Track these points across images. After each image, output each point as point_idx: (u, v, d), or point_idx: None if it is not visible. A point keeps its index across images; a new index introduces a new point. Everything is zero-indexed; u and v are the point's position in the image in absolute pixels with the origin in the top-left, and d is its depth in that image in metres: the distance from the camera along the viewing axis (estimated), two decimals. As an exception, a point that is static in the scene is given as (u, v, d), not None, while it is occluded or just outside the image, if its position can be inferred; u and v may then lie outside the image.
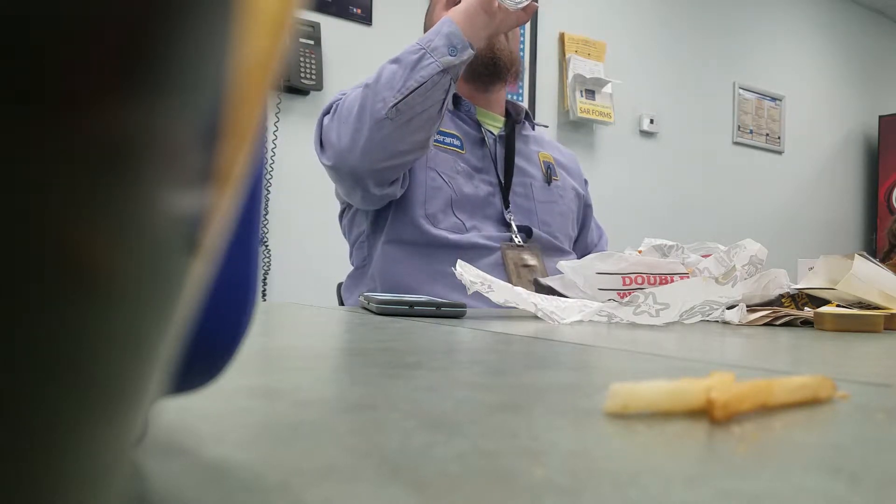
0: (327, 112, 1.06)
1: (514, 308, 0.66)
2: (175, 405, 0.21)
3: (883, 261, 1.92)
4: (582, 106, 2.90)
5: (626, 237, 1.60)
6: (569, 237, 1.23)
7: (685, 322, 0.68)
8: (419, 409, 0.22)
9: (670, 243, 0.86)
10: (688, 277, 0.79)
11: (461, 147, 1.14)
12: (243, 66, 0.08)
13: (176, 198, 0.07)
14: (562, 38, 2.95)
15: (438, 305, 0.69)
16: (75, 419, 0.07)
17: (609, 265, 0.80)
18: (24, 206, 0.06)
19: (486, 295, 0.67)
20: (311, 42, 2.21)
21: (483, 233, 1.10)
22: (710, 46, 3.50)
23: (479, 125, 1.17)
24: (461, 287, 0.70)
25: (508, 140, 1.18)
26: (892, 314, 0.70)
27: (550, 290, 0.80)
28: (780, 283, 0.80)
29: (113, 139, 0.06)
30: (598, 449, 0.18)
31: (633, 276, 0.80)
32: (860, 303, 0.74)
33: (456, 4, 1.06)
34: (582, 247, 1.29)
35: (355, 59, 2.32)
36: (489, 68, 1.15)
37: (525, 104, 2.29)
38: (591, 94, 2.94)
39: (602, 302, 0.72)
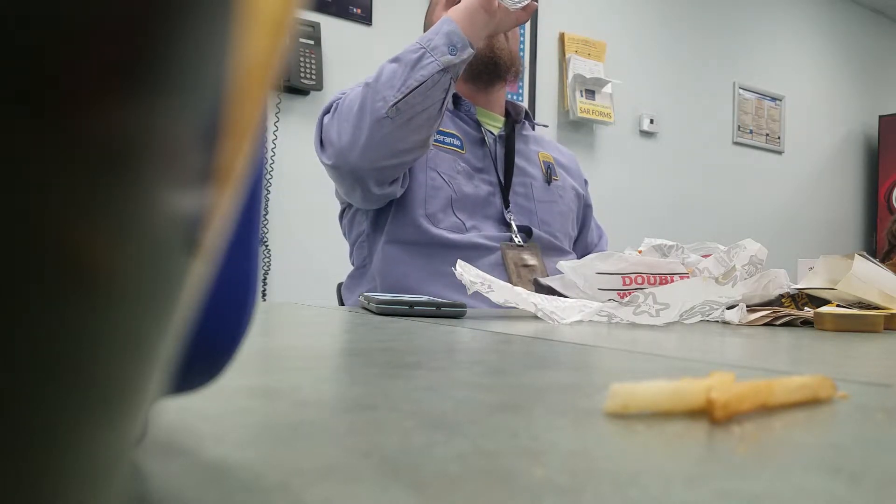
0: (327, 111, 1.06)
1: (514, 308, 0.66)
2: (175, 405, 0.21)
3: (883, 261, 1.92)
4: (582, 106, 2.90)
5: (626, 237, 1.60)
6: (569, 237, 1.23)
7: (685, 322, 0.68)
8: (419, 409, 0.22)
9: (670, 243, 0.86)
10: (688, 277, 0.79)
11: (461, 147, 1.14)
12: (243, 66, 0.08)
13: (176, 198, 0.07)
14: (562, 38, 2.95)
15: (438, 305, 0.69)
16: (75, 419, 0.07)
17: (609, 265, 0.80)
18: (25, 206, 0.06)
19: (486, 295, 0.67)
20: (311, 42, 2.21)
21: (483, 233, 1.09)
22: (710, 46, 3.50)
23: (479, 125, 1.17)
24: (461, 287, 0.70)
25: (508, 140, 1.18)
26: (892, 314, 0.70)
27: (550, 290, 0.80)
28: (780, 283, 0.80)
29: (113, 139, 0.06)
30: (598, 449, 0.18)
31: (633, 276, 0.80)
32: (860, 303, 0.74)
33: (456, 4, 1.06)
34: (582, 247, 1.29)
35: (355, 59, 2.32)
36: (489, 68, 1.15)
37: (525, 104, 2.29)
38: (591, 94, 2.94)
39: (602, 302, 0.72)
